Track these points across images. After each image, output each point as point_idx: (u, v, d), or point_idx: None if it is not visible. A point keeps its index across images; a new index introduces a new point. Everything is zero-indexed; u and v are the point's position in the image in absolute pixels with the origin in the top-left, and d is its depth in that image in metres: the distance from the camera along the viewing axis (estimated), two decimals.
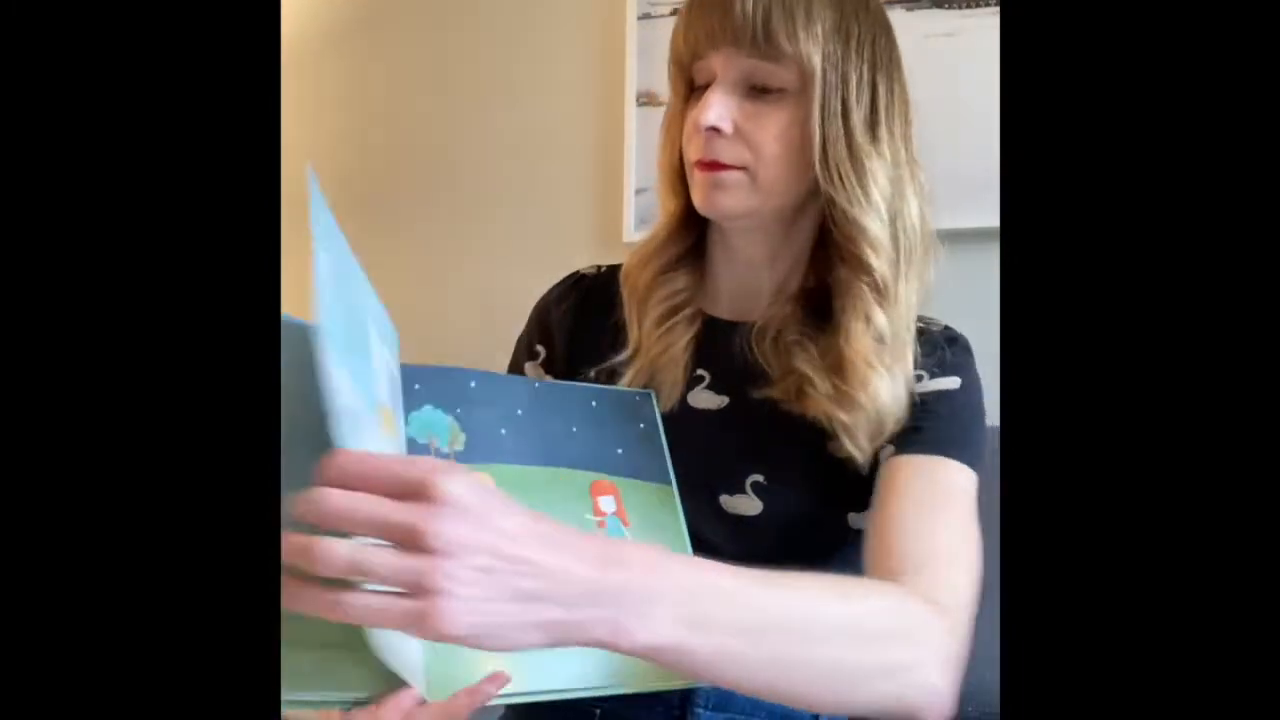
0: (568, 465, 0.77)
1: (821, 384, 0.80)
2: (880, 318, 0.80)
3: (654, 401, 0.85)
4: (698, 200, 0.84)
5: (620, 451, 0.80)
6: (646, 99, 1.71)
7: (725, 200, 0.82)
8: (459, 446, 0.73)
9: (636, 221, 1.70)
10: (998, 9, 1.48)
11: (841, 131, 0.80)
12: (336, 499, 0.45)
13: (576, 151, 1.76)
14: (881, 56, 0.82)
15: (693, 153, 0.83)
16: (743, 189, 0.82)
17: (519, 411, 0.77)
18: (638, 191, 1.71)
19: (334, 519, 0.45)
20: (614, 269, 0.96)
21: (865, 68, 0.81)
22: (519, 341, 0.99)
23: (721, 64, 0.80)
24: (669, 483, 0.81)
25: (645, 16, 1.71)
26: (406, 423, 0.71)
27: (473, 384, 0.77)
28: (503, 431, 0.75)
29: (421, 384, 0.74)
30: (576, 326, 0.94)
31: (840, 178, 0.80)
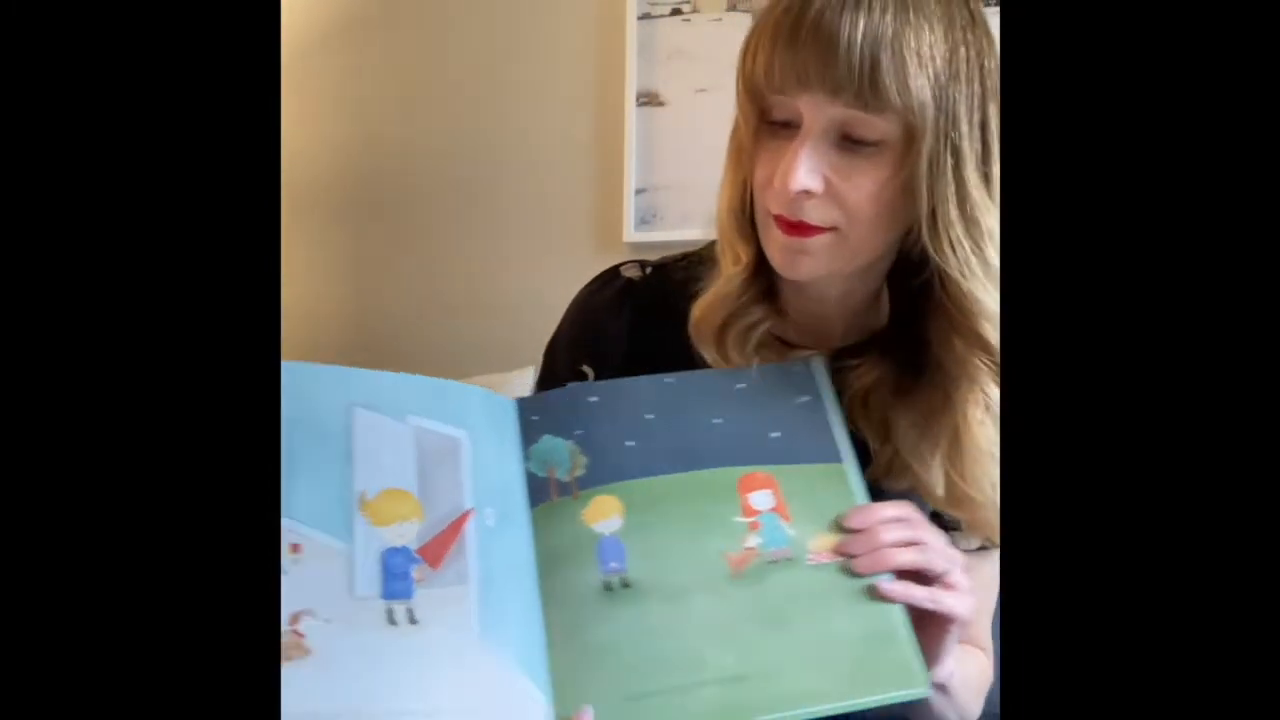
0: (709, 465, 0.69)
1: (938, 486, 0.73)
2: (995, 397, 0.71)
3: (821, 366, 0.74)
4: (776, 260, 0.73)
5: (776, 435, 0.71)
6: (646, 99, 1.71)
7: (809, 265, 0.72)
8: (580, 472, 0.68)
9: (636, 221, 1.71)
10: (998, 9, 1.48)
11: (953, 189, 0.68)
12: (887, 530, 0.65)
13: (576, 151, 1.76)
14: (990, 78, 0.69)
15: (773, 204, 0.71)
16: (829, 252, 0.71)
17: (648, 416, 0.71)
18: (638, 191, 1.71)
19: (894, 535, 0.64)
20: (660, 269, 0.86)
21: (977, 101, 0.68)
22: (554, 351, 0.88)
23: (811, 110, 0.67)
24: (838, 459, 0.70)
25: (645, 16, 1.71)
26: (527, 458, 0.68)
27: (593, 399, 0.71)
28: (629, 444, 0.69)
29: (540, 414, 0.70)
30: (635, 345, 0.83)
31: (952, 246, 0.69)
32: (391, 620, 0.58)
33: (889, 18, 0.65)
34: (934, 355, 0.73)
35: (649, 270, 0.86)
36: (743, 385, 0.73)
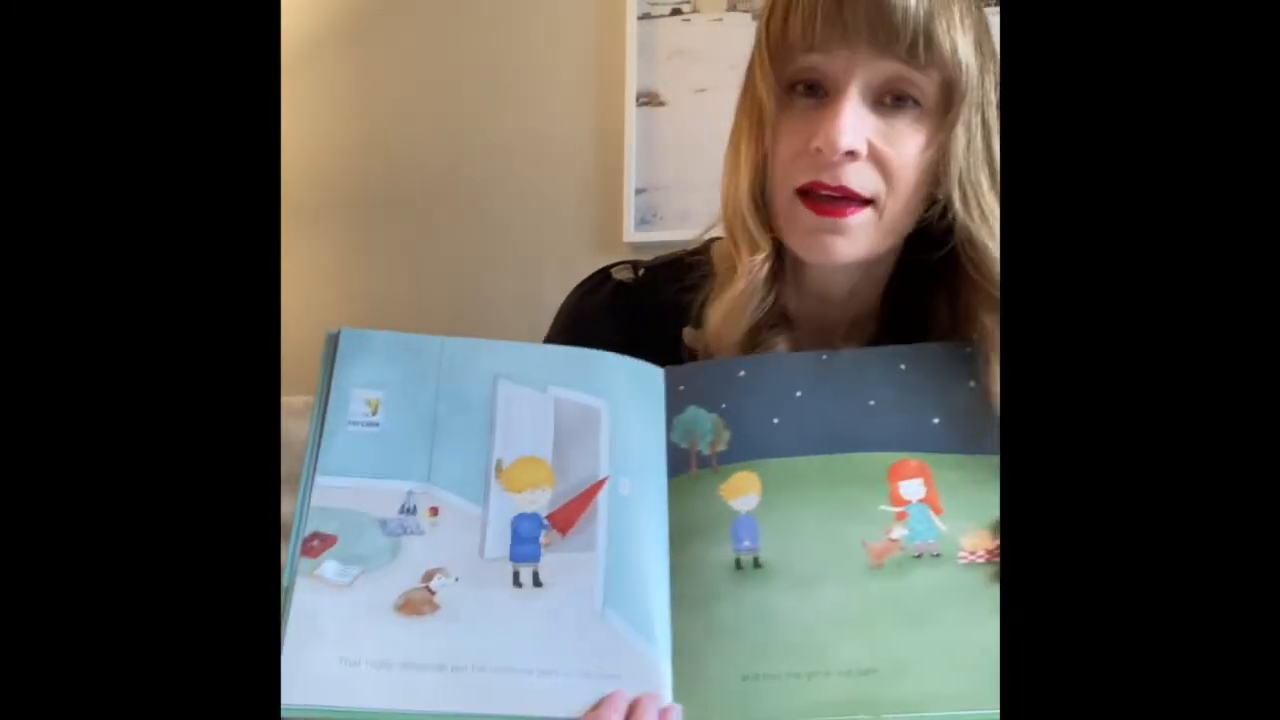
0: (860, 449, 0.66)
1: None
2: None
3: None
4: (803, 245, 0.69)
5: (936, 421, 0.67)
6: (646, 99, 1.71)
7: (846, 249, 0.68)
8: (722, 446, 0.66)
9: (636, 221, 1.71)
10: (998, 9, 1.48)
11: (984, 156, 0.67)
12: None
13: (576, 151, 1.76)
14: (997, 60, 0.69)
15: (805, 174, 0.67)
16: (867, 231, 0.68)
17: (798, 393, 0.68)
18: (638, 191, 1.71)
19: None
20: (653, 270, 0.83)
21: (996, 83, 0.68)
22: None
23: (852, 66, 0.65)
24: None
25: (645, 16, 1.71)
26: (670, 428, 0.67)
27: (741, 373, 0.69)
28: (775, 420, 0.67)
29: (686, 384, 0.68)
30: (626, 350, 0.76)
31: (984, 215, 0.67)
32: (517, 582, 0.61)
33: None
34: (955, 332, 0.71)
35: (642, 272, 0.83)
36: (904, 365, 0.69)
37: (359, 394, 0.65)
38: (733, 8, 1.70)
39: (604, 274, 0.85)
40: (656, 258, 0.84)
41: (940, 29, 0.63)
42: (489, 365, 0.66)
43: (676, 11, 1.71)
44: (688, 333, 0.75)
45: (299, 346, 1.84)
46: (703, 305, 0.75)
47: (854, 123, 0.65)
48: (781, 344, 0.74)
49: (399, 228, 1.82)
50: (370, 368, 0.66)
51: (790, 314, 0.77)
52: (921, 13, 0.63)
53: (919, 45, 0.63)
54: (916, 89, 0.65)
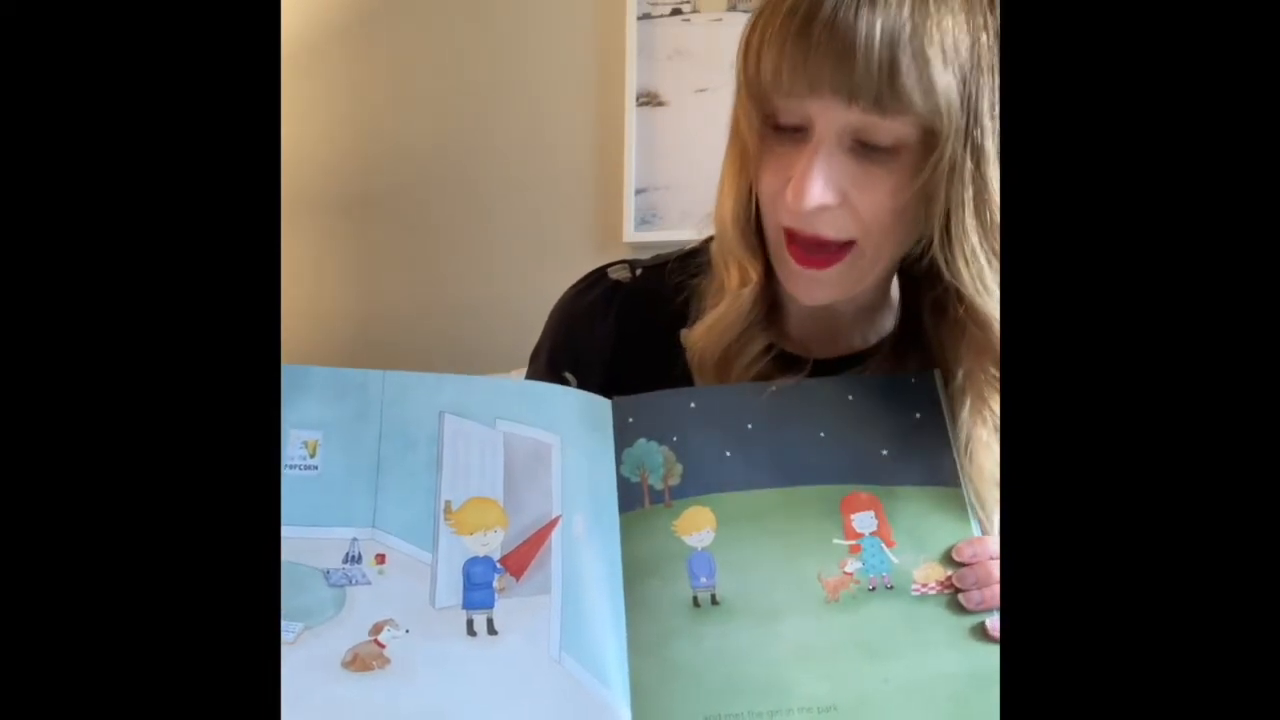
0: (812, 481, 0.66)
1: None
2: (997, 412, 0.66)
3: (936, 381, 0.70)
4: (789, 283, 0.69)
5: (885, 453, 0.67)
6: (646, 99, 1.71)
7: (829, 293, 0.69)
8: (674, 480, 0.66)
9: (637, 221, 1.71)
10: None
11: (971, 193, 0.63)
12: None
13: (576, 151, 1.76)
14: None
15: (785, 218, 0.66)
16: (848, 276, 0.67)
17: (749, 426, 0.68)
18: (638, 191, 1.71)
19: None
20: (652, 271, 0.82)
21: (997, 83, 0.62)
22: (536, 357, 0.84)
23: (824, 116, 0.62)
24: (955, 483, 0.67)
25: (645, 16, 1.71)
26: (620, 461, 0.66)
27: (692, 404, 0.69)
28: (727, 454, 0.67)
29: (635, 416, 0.67)
30: (620, 351, 0.79)
31: (966, 260, 0.64)
32: (471, 631, 0.58)
33: (906, 12, 0.61)
34: (945, 363, 0.70)
35: (639, 272, 0.82)
36: (852, 396, 0.69)
37: (295, 435, 0.61)
38: (733, 8, 1.70)
39: (600, 273, 0.84)
40: (655, 256, 0.83)
41: (908, 78, 0.60)
42: (433, 399, 0.63)
43: (676, 11, 1.71)
44: (685, 335, 0.74)
45: (299, 345, 1.85)
46: (700, 306, 0.74)
47: (824, 175, 0.63)
48: (763, 363, 0.73)
49: (398, 227, 1.83)
50: (307, 406, 0.61)
51: (794, 323, 0.76)
52: (885, 65, 0.60)
53: (885, 98, 0.60)
54: (889, 135, 0.62)
